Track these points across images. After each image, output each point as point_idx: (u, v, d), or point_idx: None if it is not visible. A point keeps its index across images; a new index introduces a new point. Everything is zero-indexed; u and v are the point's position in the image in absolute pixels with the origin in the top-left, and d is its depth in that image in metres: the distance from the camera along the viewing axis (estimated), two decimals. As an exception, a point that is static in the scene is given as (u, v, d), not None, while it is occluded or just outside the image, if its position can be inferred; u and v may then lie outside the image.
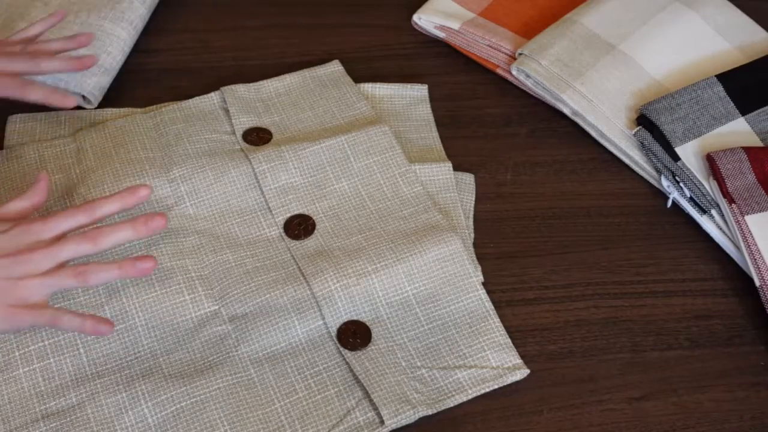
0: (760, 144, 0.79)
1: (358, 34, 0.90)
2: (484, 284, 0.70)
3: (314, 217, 0.71)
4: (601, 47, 0.84)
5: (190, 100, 0.79)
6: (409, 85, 0.83)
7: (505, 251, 0.73)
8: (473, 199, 0.76)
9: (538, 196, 0.78)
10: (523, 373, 0.64)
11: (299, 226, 0.71)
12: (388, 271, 0.67)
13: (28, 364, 0.62)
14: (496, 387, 0.63)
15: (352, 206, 0.72)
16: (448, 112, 0.83)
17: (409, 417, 0.61)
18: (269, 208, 0.72)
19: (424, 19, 0.90)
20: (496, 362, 0.64)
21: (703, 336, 0.69)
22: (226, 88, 0.80)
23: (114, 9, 0.83)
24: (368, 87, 0.82)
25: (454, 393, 0.63)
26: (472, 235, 0.73)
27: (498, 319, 0.66)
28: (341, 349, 0.64)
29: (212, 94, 0.80)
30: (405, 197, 0.73)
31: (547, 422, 0.63)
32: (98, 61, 0.78)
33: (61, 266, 0.58)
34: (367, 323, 0.65)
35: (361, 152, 0.75)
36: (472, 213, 0.75)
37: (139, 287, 0.65)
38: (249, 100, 0.79)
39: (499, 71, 0.87)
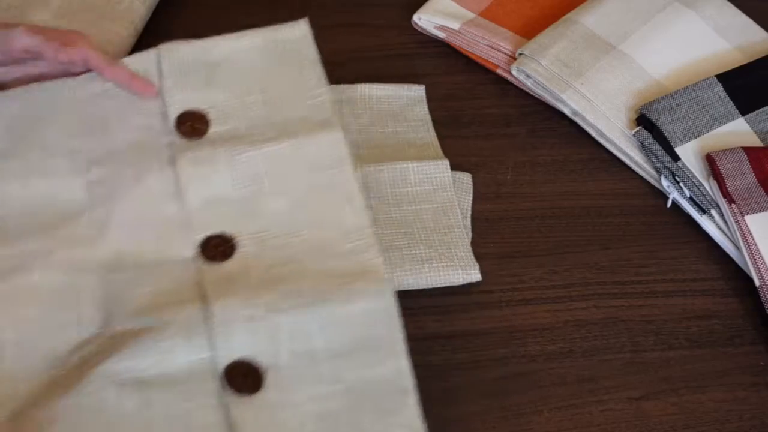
0: (760, 144, 0.79)
1: (358, 34, 0.90)
2: (483, 284, 0.70)
3: (238, 239, 0.61)
4: (601, 47, 0.84)
5: (125, 59, 0.68)
6: (406, 86, 0.83)
7: (504, 251, 0.73)
8: (471, 198, 0.76)
9: (538, 196, 0.78)
10: None
11: (217, 248, 0.61)
12: (303, 314, 0.57)
13: None
14: None
15: (284, 232, 0.62)
16: (448, 112, 0.83)
17: None
18: (189, 223, 0.62)
19: (424, 19, 0.90)
20: None
21: (703, 336, 0.69)
22: (164, 47, 0.68)
23: (114, 9, 0.83)
24: (366, 87, 0.82)
25: None
26: (470, 234, 0.73)
27: (414, 400, 0.56)
28: (225, 388, 0.54)
29: (150, 51, 0.69)
30: (347, 228, 0.62)
31: (547, 422, 0.63)
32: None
33: None
34: (263, 367, 0.56)
35: (305, 165, 0.64)
36: (469, 213, 0.75)
37: (17, 299, 0.58)
38: (191, 65, 0.68)
39: (499, 71, 0.87)
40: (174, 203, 0.63)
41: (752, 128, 0.80)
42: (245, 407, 0.54)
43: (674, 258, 0.74)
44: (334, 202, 0.63)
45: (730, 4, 0.89)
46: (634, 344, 0.68)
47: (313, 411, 0.55)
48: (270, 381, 0.55)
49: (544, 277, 0.72)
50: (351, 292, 0.58)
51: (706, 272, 0.73)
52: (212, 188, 0.63)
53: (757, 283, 0.70)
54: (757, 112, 0.80)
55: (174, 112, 0.66)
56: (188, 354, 0.55)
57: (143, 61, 0.69)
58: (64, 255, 0.60)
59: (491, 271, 0.71)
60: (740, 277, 0.73)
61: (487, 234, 0.74)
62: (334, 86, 0.82)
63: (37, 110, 0.66)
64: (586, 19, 0.86)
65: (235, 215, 0.62)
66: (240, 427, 0.53)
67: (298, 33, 0.73)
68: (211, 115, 0.67)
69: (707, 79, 0.80)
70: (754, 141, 0.79)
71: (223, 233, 0.62)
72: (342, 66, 0.86)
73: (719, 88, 0.79)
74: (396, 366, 0.56)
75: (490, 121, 0.84)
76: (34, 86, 0.67)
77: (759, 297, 0.70)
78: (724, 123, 0.79)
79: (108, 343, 0.56)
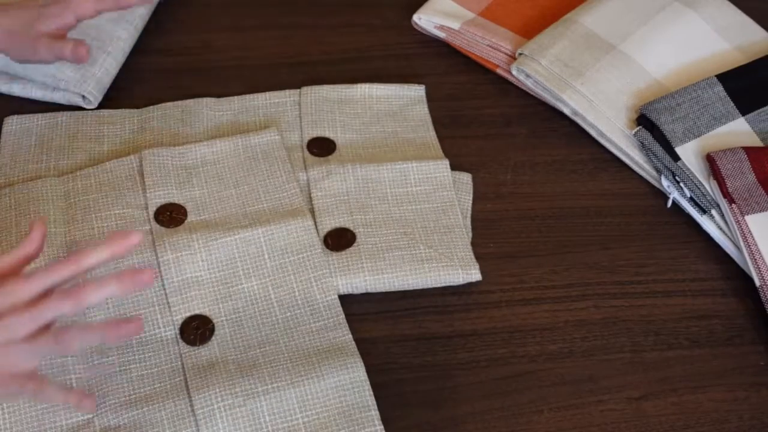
0: (760, 144, 0.79)
1: (358, 34, 0.90)
2: (483, 284, 0.70)
3: (215, 320, 0.66)
4: (601, 47, 0.84)
5: (108, 163, 0.74)
6: (406, 86, 0.83)
7: (504, 251, 0.73)
8: (471, 198, 0.76)
9: (538, 196, 0.78)
10: None
11: (196, 330, 0.65)
12: (280, 394, 0.61)
13: None
14: None
15: (258, 311, 0.67)
16: (448, 112, 0.83)
17: None
18: (168, 303, 0.66)
19: (424, 19, 0.90)
20: None
21: (703, 336, 0.69)
22: (146, 153, 0.74)
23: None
24: (366, 87, 0.82)
25: None
26: (470, 234, 0.73)
27: None
28: None
29: (131, 157, 0.74)
30: (317, 306, 0.67)
31: (547, 422, 0.63)
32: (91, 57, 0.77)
33: (46, 328, 0.55)
34: None
35: (277, 249, 0.69)
36: (469, 212, 0.75)
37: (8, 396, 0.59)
38: (170, 168, 0.74)
39: (499, 71, 0.87)
40: (155, 284, 0.67)
41: (752, 128, 0.80)
42: None
43: (674, 258, 0.74)
44: (304, 282, 0.68)
45: (730, 4, 0.89)
46: (633, 344, 0.68)
47: None
48: None
49: (544, 277, 0.72)
50: (323, 368, 0.63)
51: (706, 272, 0.73)
52: (189, 271, 0.68)
53: (757, 283, 0.70)
54: (757, 112, 0.80)
55: (154, 206, 0.72)
56: None
57: (126, 163, 0.74)
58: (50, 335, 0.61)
59: (491, 271, 0.71)
60: (740, 277, 0.73)
61: (487, 234, 0.74)
62: (334, 86, 0.82)
63: (21, 203, 0.71)
64: (586, 19, 0.86)
65: (212, 297, 0.67)
66: None
67: (267, 138, 0.78)
68: (189, 208, 0.72)
69: (707, 78, 0.80)
70: (755, 141, 0.79)
71: (202, 313, 0.66)
72: (342, 66, 0.87)
73: (719, 87, 0.79)
74: (372, 431, 0.61)
75: (490, 121, 0.84)
76: (23, 186, 0.72)
77: (759, 297, 0.70)
78: (725, 123, 0.79)
79: None
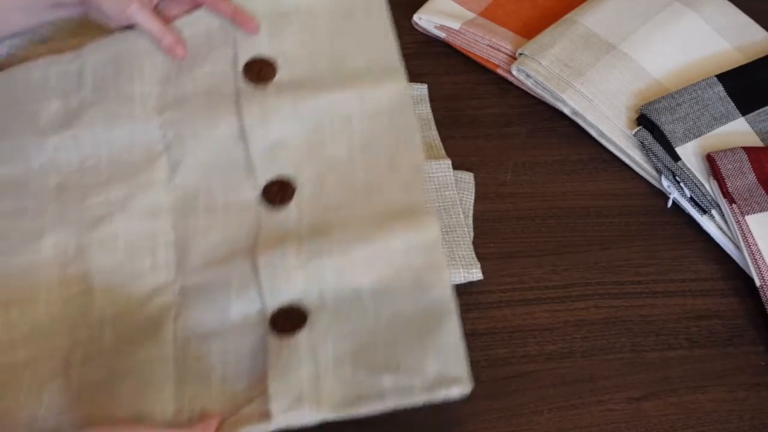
0: (760, 144, 0.79)
1: (358, 34, 0.90)
2: (483, 284, 0.70)
3: (297, 182, 0.65)
4: (601, 47, 0.84)
5: (199, 11, 0.72)
6: (408, 85, 0.83)
7: (505, 251, 0.73)
8: (473, 198, 0.76)
9: (538, 196, 0.78)
10: (460, 390, 0.55)
11: (277, 194, 0.65)
12: (346, 256, 0.60)
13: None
14: (421, 401, 0.55)
15: (341, 173, 0.65)
16: (448, 111, 0.83)
17: (303, 416, 0.55)
18: (253, 167, 0.66)
19: (425, 19, 0.90)
20: (432, 370, 0.56)
21: (703, 336, 0.69)
22: None
23: None
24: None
25: (370, 399, 0.56)
26: (472, 233, 0.73)
27: (455, 323, 0.57)
28: (270, 332, 0.58)
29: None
30: (399, 167, 0.65)
31: (547, 422, 0.63)
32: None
33: None
34: (308, 308, 0.59)
35: (368, 113, 0.67)
36: (471, 212, 0.75)
37: (104, 247, 0.64)
38: (262, 14, 0.71)
39: (499, 71, 0.87)
40: (240, 148, 0.66)
41: (752, 128, 0.80)
42: (282, 346, 0.57)
43: (674, 258, 0.74)
44: (391, 145, 0.66)
45: (730, 4, 0.89)
46: (634, 344, 0.68)
47: (352, 344, 0.58)
48: (312, 321, 0.58)
49: (544, 277, 0.72)
50: (395, 230, 0.61)
51: (707, 272, 0.73)
52: (276, 133, 0.66)
53: (757, 283, 0.70)
54: (757, 112, 0.80)
55: (243, 59, 0.69)
56: (241, 306, 0.60)
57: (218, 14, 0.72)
58: (142, 200, 0.65)
59: (491, 271, 0.71)
60: (740, 277, 0.73)
61: (487, 234, 0.74)
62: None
63: (119, 60, 0.70)
64: (587, 19, 0.86)
65: (297, 159, 0.66)
66: (271, 361, 0.57)
67: None
68: (279, 62, 0.69)
69: (707, 78, 0.80)
70: (755, 141, 0.79)
71: (285, 176, 0.65)
72: (342, 66, 0.86)
73: (719, 88, 0.79)
74: (439, 292, 0.59)
75: (490, 121, 0.84)
76: (119, 36, 0.70)
77: (759, 297, 0.70)
78: (725, 123, 0.79)
79: (177, 300, 0.61)
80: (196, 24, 0.72)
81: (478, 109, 0.84)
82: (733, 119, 0.79)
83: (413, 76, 0.85)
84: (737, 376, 0.67)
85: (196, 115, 0.68)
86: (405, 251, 0.60)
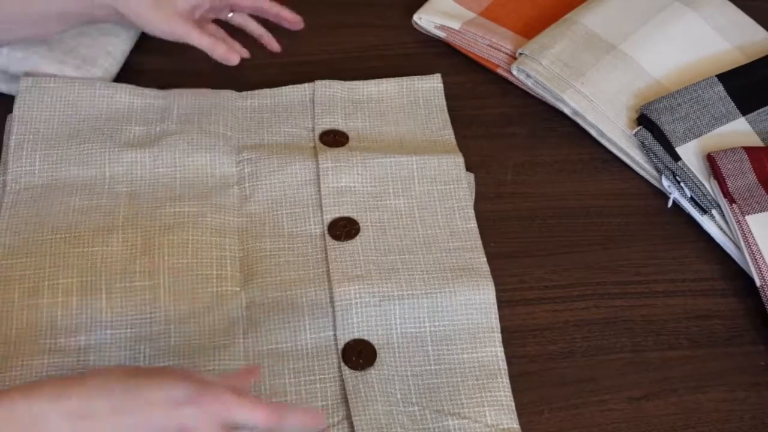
0: (760, 144, 0.79)
1: (358, 34, 0.90)
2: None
3: (361, 224, 0.71)
4: (601, 47, 0.84)
5: (283, 87, 0.81)
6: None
7: (505, 251, 0.73)
8: (473, 197, 0.76)
9: (538, 196, 0.78)
10: None
11: (343, 228, 0.70)
12: (413, 302, 0.66)
13: (53, 296, 0.64)
14: None
15: (402, 224, 0.71)
16: (449, 111, 0.83)
17: None
18: (321, 205, 0.72)
19: (425, 19, 0.90)
20: (491, 420, 0.61)
21: (703, 336, 0.69)
22: (319, 83, 0.81)
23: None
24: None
25: None
26: (472, 234, 0.73)
27: (507, 380, 0.63)
28: (342, 365, 0.63)
29: (305, 85, 0.81)
30: (456, 230, 0.71)
31: (548, 422, 0.63)
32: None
33: None
34: (376, 346, 0.64)
35: (427, 177, 0.74)
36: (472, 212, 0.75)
37: (173, 249, 0.67)
38: (339, 99, 0.80)
39: (499, 71, 0.87)
40: (310, 188, 0.73)
41: (753, 128, 0.79)
42: (358, 381, 0.62)
43: (674, 258, 0.74)
44: (447, 208, 0.73)
45: (730, 4, 0.89)
46: (634, 344, 0.68)
47: (417, 385, 0.63)
48: (381, 359, 0.63)
49: (544, 277, 0.72)
50: (456, 285, 0.67)
51: (707, 272, 0.73)
52: (345, 180, 0.73)
53: (758, 283, 0.70)
54: (757, 111, 0.80)
55: (320, 129, 0.78)
56: (314, 332, 0.64)
57: (300, 90, 0.81)
58: (212, 219, 0.70)
59: (491, 271, 0.71)
60: (741, 277, 0.73)
61: (487, 234, 0.74)
62: (335, 81, 0.82)
63: (204, 106, 0.78)
64: (587, 19, 0.86)
65: (362, 205, 0.72)
66: (351, 396, 0.61)
67: (430, 85, 0.83)
68: (351, 134, 0.78)
69: (708, 78, 0.80)
70: (755, 141, 0.79)
71: (351, 216, 0.71)
72: (342, 66, 0.86)
73: (720, 87, 0.79)
74: (492, 352, 0.65)
75: (490, 121, 0.83)
76: (206, 91, 0.80)
77: (759, 297, 0.70)
78: (725, 123, 0.79)
79: (246, 314, 0.65)
80: (279, 95, 0.80)
81: (478, 109, 0.84)
82: (734, 119, 0.79)
83: (413, 76, 0.86)
84: (737, 376, 0.67)
85: (273, 158, 0.74)
86: (465, 307, 0.66)
